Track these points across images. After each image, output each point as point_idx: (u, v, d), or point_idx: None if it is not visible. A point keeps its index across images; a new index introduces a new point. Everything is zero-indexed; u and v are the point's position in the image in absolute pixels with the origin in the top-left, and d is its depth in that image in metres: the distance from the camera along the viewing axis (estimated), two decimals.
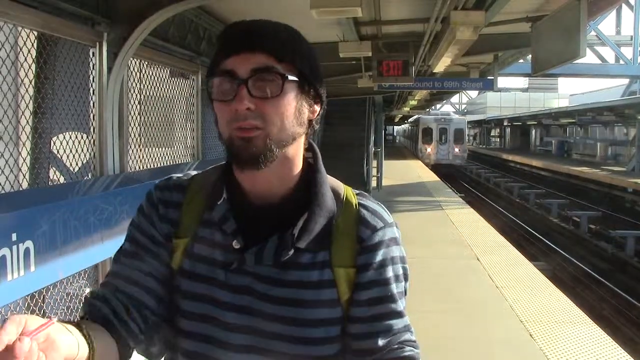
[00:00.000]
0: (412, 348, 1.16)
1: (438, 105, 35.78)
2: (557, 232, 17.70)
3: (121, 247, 1.22)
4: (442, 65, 8.12)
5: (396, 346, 1.14)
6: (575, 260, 13.76)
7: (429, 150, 33.95)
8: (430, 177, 21.87)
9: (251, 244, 1.10)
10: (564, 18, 5.59)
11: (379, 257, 1.13)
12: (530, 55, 8.46)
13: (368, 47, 7.87)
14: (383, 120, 19.35)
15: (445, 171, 30.59)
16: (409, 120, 44.31)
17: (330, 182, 1.19)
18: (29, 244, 2.87)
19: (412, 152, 40.57)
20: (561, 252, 14.61)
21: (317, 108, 1.13)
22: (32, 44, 3.37)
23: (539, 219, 19.96)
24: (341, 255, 1.12)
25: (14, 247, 2.77)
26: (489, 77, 11.57)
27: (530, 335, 5.13)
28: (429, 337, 5.15)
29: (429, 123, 34.41)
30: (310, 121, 1.12)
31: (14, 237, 2.78)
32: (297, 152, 1.12)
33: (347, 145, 15.99)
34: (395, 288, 1.14)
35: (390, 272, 1.14)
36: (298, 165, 1.14)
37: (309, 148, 1.18)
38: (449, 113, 39.68)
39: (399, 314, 1.15)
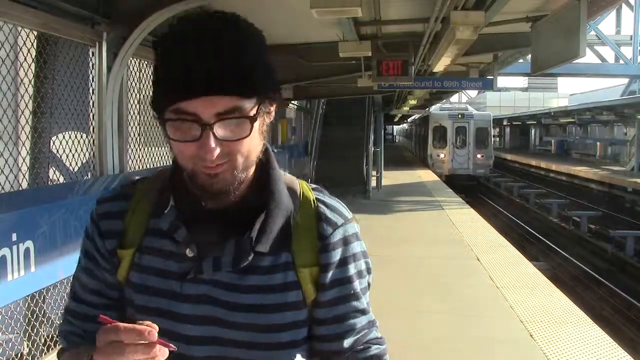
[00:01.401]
0: (378, 345, 1.15)
1: (437, 106, 29.15)
2: (557, 232, 17.70)
3: (75, 274, 1.18)
4: (441, 65, 8.12)
5: (362, 346, 1.13)
6: (575, 260, 13.76)
7: (441, 156, 25.69)
8: (431, 177, 21.86)
9: (206, 250, 1.05)
10: (563, 18, 5.59)
11: (341, 254, 1.10)
12: (530, 55, 8.47)
13: (368, 47, 7.88)
14: (382, 120, 19.33)
15: (462, 184, 23.29)
16: (409, 119, 41.92)
17: (285, 178, 1.14)
18: (29, 244, 2.87)
19: (416, 156, 33.78)
20: (561, 252, 14.61)
21: (274, 107, 1.05)
22: (32, 44, 3.37)
23: (539, 219, 19.96)
24: (303, 255, 1.08)
25: (14, 247, 2.77)
26: (488, 77, 11.58)
27: (531, 335, 5.12)
28: (429, 337, 5.15)
29: (442, 120, 26.10)
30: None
31: (14, 237, 2.78)
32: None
33: (346, 145, 15.98)
34: (358, 285, 1.12)
35: (352, 270, 1.11)
36: (253, 167, 1.07)
37: None
38: (466, 107, 29.20)
39: (362, 312, 1.13)
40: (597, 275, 12.49)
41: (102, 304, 1.14)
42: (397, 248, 8.85)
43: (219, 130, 0.95)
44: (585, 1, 5.15)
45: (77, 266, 1.19)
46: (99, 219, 1.14)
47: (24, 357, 3.28)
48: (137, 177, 1.19)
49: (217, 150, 0.95)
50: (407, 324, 5.42)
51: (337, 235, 1.10)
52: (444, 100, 27.20)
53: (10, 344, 3.25)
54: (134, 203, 1.13)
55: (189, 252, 1.05)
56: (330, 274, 1.09)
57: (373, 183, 15.45)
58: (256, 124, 0.98)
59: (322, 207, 1.12)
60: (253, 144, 1.00)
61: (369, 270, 1.15)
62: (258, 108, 0.98)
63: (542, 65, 6.52)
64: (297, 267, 1.08)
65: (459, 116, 25.99)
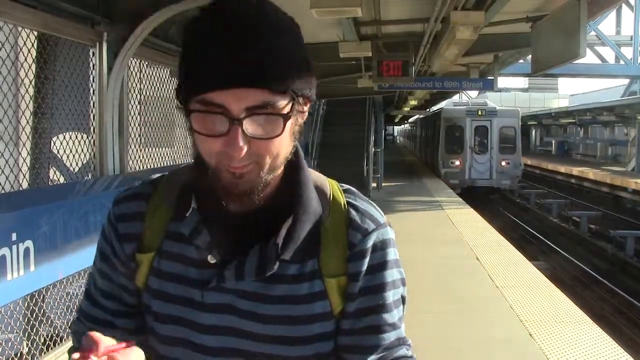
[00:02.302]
0: None
1: (449, 101, 24.28)
2: (557, 232, 17.70)
3: (90, 272, 1.13)
4: (442, 65, 8.13)
5: None
6: (575, 260, 13.76)
7: (457, 162, 20.57)
8: (431, 177, 21.84)
9: (229, 257, 0.98)
10: (564, 18, 5.59)
11: (371, 262, 1.02)
12: (530, 55, 8.48)
13: (368, 47, 7.89)
14: (383, 121, 19.31)
15: (482, 200, 18.97)
16: (412, 119, 41.15)
17: (314, 178, 1.05)
18: (29, 243, 2.88)
19: (420, 160, 30.13)
20: (561, 252, 14.61)
21: (307, 107, 0.97)
22: (32, 44, 3.38)
23: (539, 219, 19.96)
24: (331, 264, 1.01)
25: (14, 247, 2.78)
26: (489, 77, 11.61)
27: (530, 335, 5.12)
28: (429, 337, 5.15)
29: (458, 118, 20.77)
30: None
31: (14, 237, 2.78)
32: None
33: (346, 146, 15.99)
34: (391, 296, 1.04)
35: (384, 279, 1.03)
36: (281, 168, 0.99)
37: None
38: (485, 102, 23.02)
39: (392, 326, 1.04)
40: (597, 275, 12.50)
41: (116, 310, 1.09)
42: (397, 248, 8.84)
43: (249, 127, 0.87)
44: (585, 1, 5.15)
45: (93, 265, 1.12)
46: (117, 221, 1.07)
47: (24, 357, 3.29)
48: (156, 175, 1.11)
49: (245, 149, 0.88)
50: (407, 324, 5.40)
51: (369, 242, 1.02)
52: (444, 101, 27.00)
53: (9, 343, 3.26)
54: (154, 204, 1.06)
55: (210, 259, 0.99)
56: (359, 284, 1.01)
57: (373, 183, 15.46)
58: (289, 123, 0.91)
59: (353, 212, 1.03)
60: (283, 145, 0.92)
61: (403, 282, 1.06)
62: (292, 106, 0.90)
63: (543, 66, 6.53)
64: (324, 276, 1.00)
65: (479, 113, 20.71)
